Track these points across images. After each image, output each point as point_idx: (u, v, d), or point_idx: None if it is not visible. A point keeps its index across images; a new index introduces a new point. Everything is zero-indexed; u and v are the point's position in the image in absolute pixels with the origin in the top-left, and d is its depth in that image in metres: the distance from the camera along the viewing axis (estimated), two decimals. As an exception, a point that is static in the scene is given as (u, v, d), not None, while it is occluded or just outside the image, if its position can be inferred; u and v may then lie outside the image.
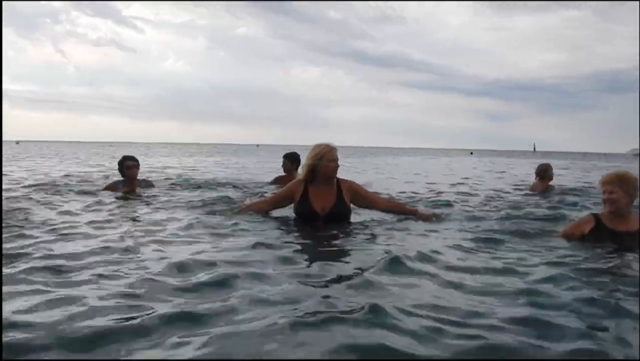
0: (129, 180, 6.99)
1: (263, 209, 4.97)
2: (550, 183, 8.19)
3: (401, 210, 5.03)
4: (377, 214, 4.97)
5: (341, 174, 4.87)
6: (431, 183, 10.28)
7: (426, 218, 4.86)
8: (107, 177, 10.15)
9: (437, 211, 5.37)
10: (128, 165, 6.96)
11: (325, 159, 4.69)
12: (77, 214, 4.97)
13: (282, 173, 8.43)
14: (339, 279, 2.70)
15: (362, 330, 1.93)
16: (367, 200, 4.88)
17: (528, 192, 8.20)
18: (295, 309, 2.17)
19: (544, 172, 8.16)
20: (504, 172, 17.83)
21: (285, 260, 3.16)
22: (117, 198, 6.41)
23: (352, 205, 4.84)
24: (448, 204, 6.35)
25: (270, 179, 9.02)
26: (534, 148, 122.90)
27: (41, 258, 3.10)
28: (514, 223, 4.80)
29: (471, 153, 72.63)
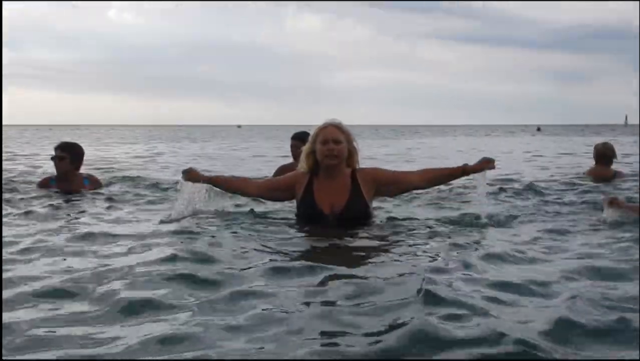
0: (66, 175, 7.16)
1: (250, 193, 5.24)
2: (613, 167, 8.61)
3: (444, 175, 5.17)
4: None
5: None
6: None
7: (479, 169, 4.96)
8: (37, 171, 10.28)
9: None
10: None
11: (319, 142, 4.81)
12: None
13: (288, 161, 8.50)
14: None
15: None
16: (396, 183, 5.05)
17: (581, 179, 8.64)
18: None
19: (603, 156, 8.50)
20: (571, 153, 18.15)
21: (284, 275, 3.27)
22: (49, 197, 6.62)
23: (378, 197, 5.13)
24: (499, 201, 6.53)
25: (272, 169, 9.08)
26: (626, 121, 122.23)
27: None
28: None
29: (538, 129, 72.32)
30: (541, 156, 17.64)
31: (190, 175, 5.04)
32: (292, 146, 7.98)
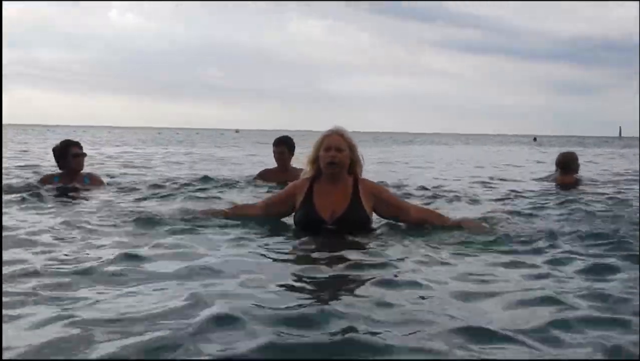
0: (71, 173, 7.37)
1: (254, 215, 5.20)
2: (576, 175, 9.23)
3: (439, 221, 5.09)
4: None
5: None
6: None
7: (474, 230, 4.93)
8: (36, 172, 10.47)
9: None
10: (75, 153, 7.28)
11: (322, 148, 4.90)
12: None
13: (270, 166, 8.65)
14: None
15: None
16: (393, 208, 5.07)
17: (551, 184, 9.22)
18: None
19: (566, 164, 9.15)
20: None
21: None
22: (54, 195, 6.75)
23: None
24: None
25: (254, 172, 9.14)
26: (620, 133, 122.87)
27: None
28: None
29: (534, 139, 73.10)
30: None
31: (207, 215, 5.28)
32: (277, 152, 8.07)
